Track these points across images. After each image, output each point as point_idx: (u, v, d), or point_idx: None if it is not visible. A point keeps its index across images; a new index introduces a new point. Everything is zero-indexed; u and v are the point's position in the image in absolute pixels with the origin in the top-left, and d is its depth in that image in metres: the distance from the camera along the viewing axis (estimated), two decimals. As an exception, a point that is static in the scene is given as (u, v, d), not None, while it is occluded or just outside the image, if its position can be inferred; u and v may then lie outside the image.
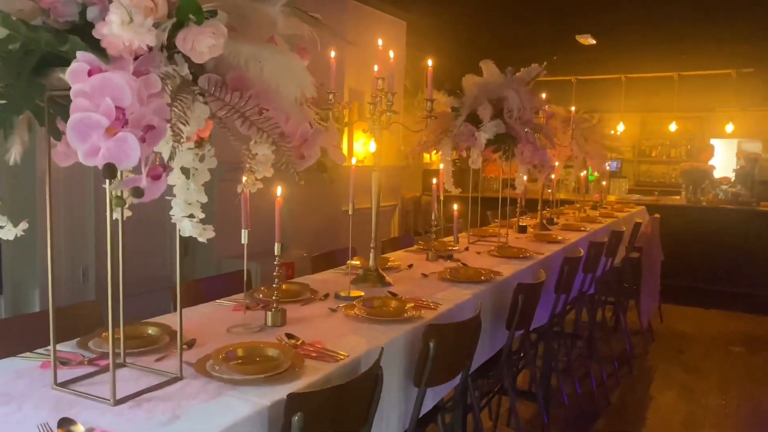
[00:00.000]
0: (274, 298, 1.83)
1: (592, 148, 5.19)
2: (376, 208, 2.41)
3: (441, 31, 6.44)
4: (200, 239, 1.26)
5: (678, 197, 7.75)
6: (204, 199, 1.21)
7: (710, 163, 7.55)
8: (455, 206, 3.10)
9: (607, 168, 6.36)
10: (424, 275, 2.64)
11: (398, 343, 1.77)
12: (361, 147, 5.19)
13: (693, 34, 6.61)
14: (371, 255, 2.44)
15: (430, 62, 2.42)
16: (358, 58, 5.43)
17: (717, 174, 7.74)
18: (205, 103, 1.21)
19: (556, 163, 4.39)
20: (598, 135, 5.28)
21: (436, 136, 3.59)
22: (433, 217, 2.99)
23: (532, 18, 6.04)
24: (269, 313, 1.81)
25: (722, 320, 5.81)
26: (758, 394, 4.03)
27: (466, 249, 3.40)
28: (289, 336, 1.67)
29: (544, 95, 3.88)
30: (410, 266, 2.82)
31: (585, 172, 6.03)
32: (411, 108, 6.69)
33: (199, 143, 1.28)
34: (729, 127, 8.03)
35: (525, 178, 3.71)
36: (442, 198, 3.12)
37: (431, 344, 1.72)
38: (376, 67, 2.45)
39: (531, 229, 4.39)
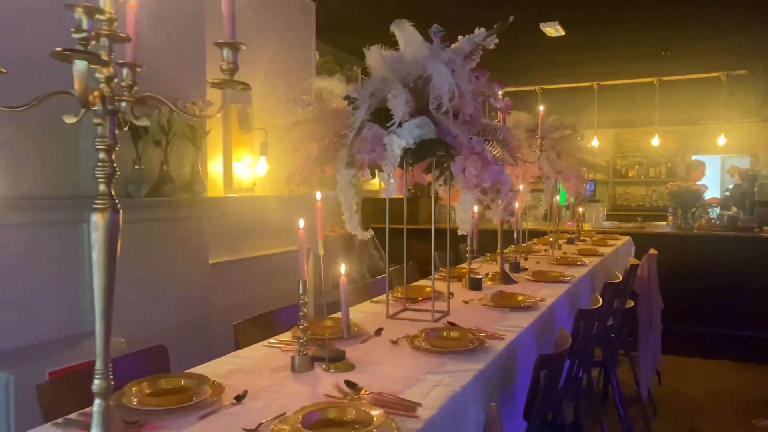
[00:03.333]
0: None
1: (568, 165, 3.90)
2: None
3: (363, 18, 5.12)
4: None
5: (664, 223, 6.62)
6: None
7: (700, 182, 6.38)
8: (343, 268, 1.70)
9: (584, 191, 5.09)
10: None
11: None
12: (247, 169, 3.59)
13: (679, 23, 5.44)
14: None
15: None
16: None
17: (706, 195, 6.63)
18: None
19: (521, 187, 3.06)
20: (573, 148, 3.98)
21: (328, 146, 2.25)
22: (301, 299, 1.59)
23: (486, 3, 4.78)
24: None
25: (733, 375, 4.58)
26: None
27: (378, 333, 2.02)
28: None
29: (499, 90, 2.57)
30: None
31: (557, 196, 4.77)
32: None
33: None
34: (721, 140, 6.85)
35: (475, 208, 2.36)
36: (322, 253, 1.74)
37: None
38: None
39: (488, 282, 3.05)
